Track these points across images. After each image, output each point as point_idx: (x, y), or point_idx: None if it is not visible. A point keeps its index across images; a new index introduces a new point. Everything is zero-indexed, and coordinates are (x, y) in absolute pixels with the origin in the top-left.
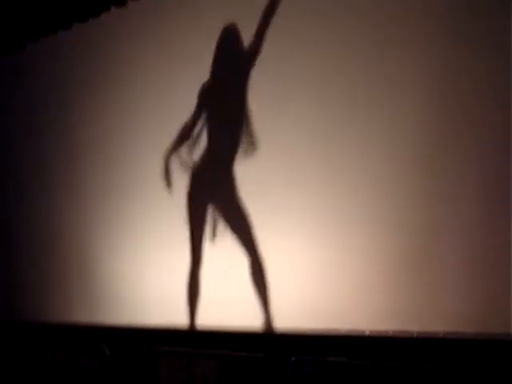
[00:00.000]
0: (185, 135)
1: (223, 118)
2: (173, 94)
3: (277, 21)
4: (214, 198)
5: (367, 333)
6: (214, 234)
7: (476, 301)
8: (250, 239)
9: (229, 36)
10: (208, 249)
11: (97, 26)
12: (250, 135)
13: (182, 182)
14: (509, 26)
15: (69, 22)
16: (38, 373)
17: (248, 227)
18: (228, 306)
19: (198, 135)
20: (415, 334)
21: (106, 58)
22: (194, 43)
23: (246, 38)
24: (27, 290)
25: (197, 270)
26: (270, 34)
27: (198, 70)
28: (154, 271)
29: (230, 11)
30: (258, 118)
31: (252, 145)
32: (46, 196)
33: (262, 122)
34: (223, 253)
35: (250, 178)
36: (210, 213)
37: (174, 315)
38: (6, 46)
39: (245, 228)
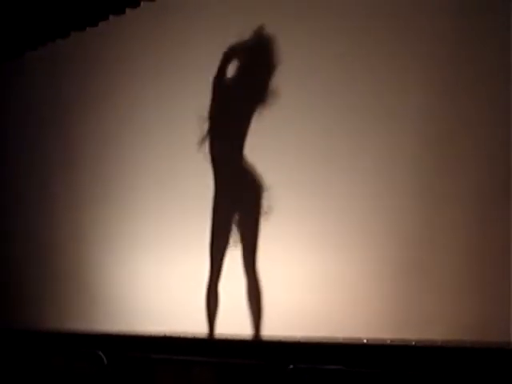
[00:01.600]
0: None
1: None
2: (171, 99)
3: (279, 34)
4: (235, 209)
5: (365, 341)
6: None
7: (475, 309)
8: (253, 256)
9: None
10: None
11: (95, 34)
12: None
13: (180, 189)
14: (509, 26)
15: (67, 31)
16: (36, 380)
17: (255, 244)
18: (226, 314)
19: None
20: (413, 342)
21: (105, 65)
22: (193, 50)
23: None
24: (25, 298)
25: (217, 280)
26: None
27: (196, 77)
28: (152, 279)
29: (231, 17)
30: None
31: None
32: (43, 202)
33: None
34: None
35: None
36: (231, 224)
37: (172, 323)
38: (4, 53)
39: (252, 245)
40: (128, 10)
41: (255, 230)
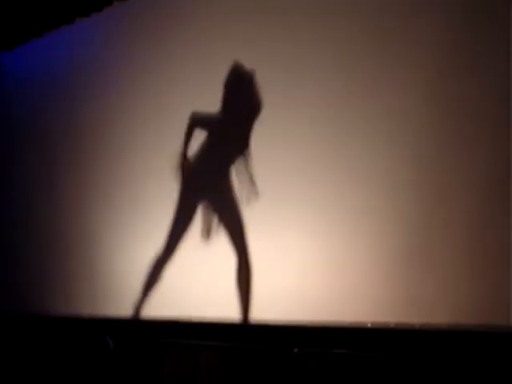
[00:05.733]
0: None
1: (223, 121)
2: (173, 91)
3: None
4: (208, 195)
5: (369, 325)
6: (208, 233)
7: (476, 293)
8: (240, 239)
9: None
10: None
11: (99, 20)
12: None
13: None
14: (509, 26)
15: (71, 17)
16: (43, 366)
17: (240, 227)
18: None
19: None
20: (417, 326)
21: (109, 52)
22: (196, 36)
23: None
24: (32, 284)
25: (165, 262)
26: (280, 42)
27: (200, 66)
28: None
29: (236, 4)
30: (266, 118)
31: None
32: (52, 194)
33: (270, 120)
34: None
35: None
36: (203, 210)
37: (178, 307)
38: (10, 41)
39: (236, 228)
40: None
41: (236, 214)
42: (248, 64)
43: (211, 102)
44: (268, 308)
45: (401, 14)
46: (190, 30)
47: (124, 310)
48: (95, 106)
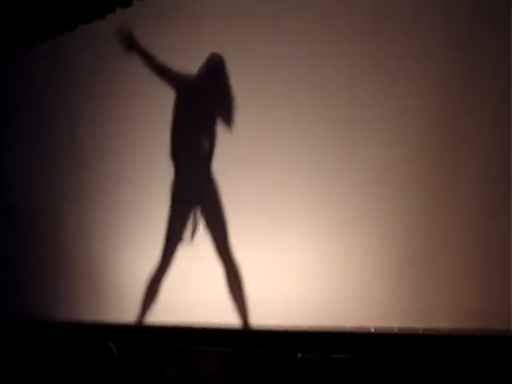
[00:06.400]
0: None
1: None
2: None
3: (279, 24)
4: (196, 201)
5: (372, 330)
6: (193, 234)
7: (477, 297)
8: (225, 244)
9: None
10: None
11: (102, 26)
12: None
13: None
14: (509, 26)
15: (74, 23)
16: (45, 372)
17: (225, 232)
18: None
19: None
20: (420, 331)
21: (112, 58)
22: (198, 42)
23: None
24: (34, 289)
25: (164, 270)
26: (276, 39)
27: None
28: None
29: (232, 9)
30: (256, 115)
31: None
32: (53, 195)
33: (261, 118)
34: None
35: (256, 177)
36: (192, 215)
37: (180, 313)
38: (13, 47)
39: (222, 233)
40: (135, 2)
41: (222, 219)
42: (249, 63)
43: None
44: (270, 313)
45: (401, 15)
46: (191, 30)
47: (127, 315)
48: (96, 106)
